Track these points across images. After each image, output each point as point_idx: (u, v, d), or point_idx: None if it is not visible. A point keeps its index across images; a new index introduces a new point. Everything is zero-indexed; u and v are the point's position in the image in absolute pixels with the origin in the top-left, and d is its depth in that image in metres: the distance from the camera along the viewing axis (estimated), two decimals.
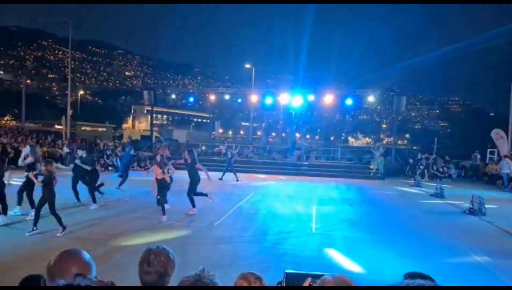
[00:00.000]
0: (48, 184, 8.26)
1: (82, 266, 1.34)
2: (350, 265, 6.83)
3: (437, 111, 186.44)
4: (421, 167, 23.21)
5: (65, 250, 1.41)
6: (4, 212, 9.01)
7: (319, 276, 1.93)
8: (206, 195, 11.62)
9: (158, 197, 10.30)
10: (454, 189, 18.24)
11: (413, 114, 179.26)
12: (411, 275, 2.44)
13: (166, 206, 10.63)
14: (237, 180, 19.07)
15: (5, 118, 64.62)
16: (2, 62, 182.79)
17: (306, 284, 2.00)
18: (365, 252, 7.67)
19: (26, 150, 10.87)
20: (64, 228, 8.25)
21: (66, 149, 12.83)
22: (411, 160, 23.16)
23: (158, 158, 11.00)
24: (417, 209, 13.31)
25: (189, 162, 11.25)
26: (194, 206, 10.96)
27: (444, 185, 16.97)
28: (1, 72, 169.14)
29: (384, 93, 30.90)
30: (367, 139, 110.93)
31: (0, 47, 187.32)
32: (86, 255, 1.40)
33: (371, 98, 27.15)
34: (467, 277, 6.44)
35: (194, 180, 11.20)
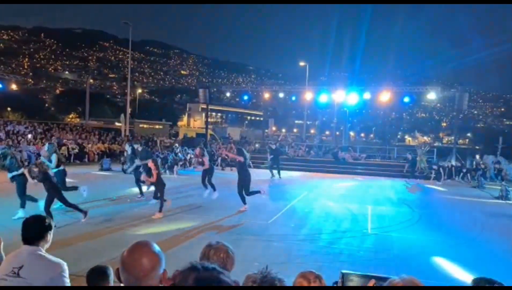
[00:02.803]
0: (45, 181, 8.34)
1: (153, 258, 1.39)
2: (409, 268, 6.58)
3: (502, 109, 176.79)
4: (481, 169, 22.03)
5: (137, 241, 1.46)
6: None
7: (382, 278, 1.88)
8: (258, 191, 11.28)
9: None
10: None
11: (475, 112, 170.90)
12: (480, 281, 2.32)
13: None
14: (280, 177, 19.28)
15: (70, 116, 68.29)
16: (68, 62, 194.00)
17: (370, 284, 1.96)
18: (426, 255, 7.37)
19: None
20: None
21: (129, 150, 13.24)
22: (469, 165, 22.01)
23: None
24: (480, 211, 12.63)
25: (238, 160, 11.12)
26: (245, 203, 10.85)
27: (510, 187, 15.99)
28: (67, 72, 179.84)
29: (445, 89, 29.66)
30: (425, 138, 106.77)
31: (66, 48, 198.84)
32: (156, 248, 1.44)
33: (430, 95, 26.06)
34: None
35: (246, 177, 10.92)
